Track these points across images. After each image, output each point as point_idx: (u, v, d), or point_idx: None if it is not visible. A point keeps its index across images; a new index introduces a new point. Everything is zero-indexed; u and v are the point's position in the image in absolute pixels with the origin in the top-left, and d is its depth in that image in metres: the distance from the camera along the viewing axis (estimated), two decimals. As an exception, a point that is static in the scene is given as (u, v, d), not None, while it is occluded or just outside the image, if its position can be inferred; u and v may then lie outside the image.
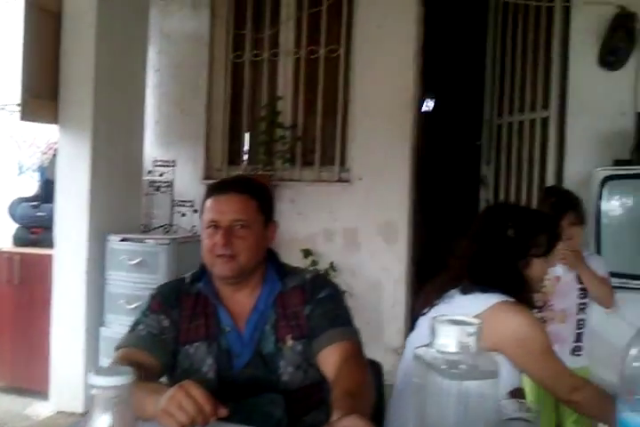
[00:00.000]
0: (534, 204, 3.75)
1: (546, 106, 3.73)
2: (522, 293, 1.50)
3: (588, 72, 3.47)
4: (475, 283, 1.50)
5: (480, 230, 1.59)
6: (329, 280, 1.57)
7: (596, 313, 2.87)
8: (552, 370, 1.45)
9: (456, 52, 5.61)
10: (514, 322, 1.43)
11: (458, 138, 6.08)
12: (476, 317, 1.42)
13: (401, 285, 3.81)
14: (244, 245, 1.45)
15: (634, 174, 2.98)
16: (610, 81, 3.42)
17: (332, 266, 3.77)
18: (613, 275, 2.96)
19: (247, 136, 3.95)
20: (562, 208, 2.26)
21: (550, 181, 3.64)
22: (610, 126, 3.39)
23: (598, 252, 2.98)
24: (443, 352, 0.93)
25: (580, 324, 2.39)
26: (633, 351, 0.78)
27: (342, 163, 3.93)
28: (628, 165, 3.05)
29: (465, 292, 1.50)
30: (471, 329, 0.93)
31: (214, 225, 1.45)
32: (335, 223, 3.88)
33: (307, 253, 3.78)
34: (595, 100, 3.46)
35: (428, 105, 7.03)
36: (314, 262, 3.75)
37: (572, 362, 2.24)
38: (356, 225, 3.85)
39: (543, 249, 1.55)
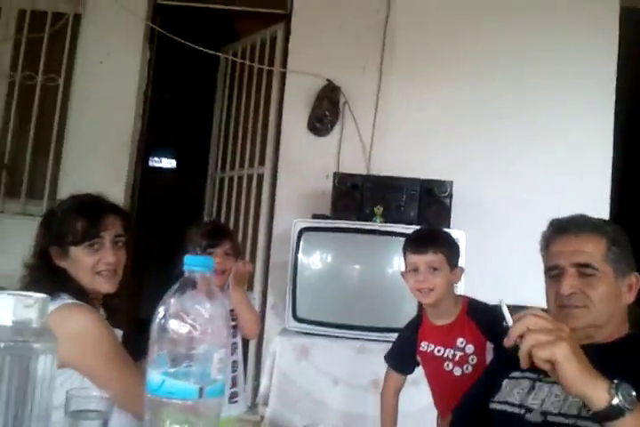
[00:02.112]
0: (248, 256, 3.88)
1: (263, 163, 3.94)
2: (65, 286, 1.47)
3: (298, 135, 3.76)
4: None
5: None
6: None
7: (286, 358, 2.98)
8: (118, 378, 1.37)
9: (190, 108, 5.77)
10: (69, 323, 1.38)
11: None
12: None
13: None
14: None
15: (328, 227, 3.21)
16: (317, 145, 3.73)
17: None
18: (308, 322, 3.11)
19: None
20: (217, 236, 2.26)
21: (262, 232, 3.80)
22: (315, 186, 3.67)
23: (293, 299, 3.11)
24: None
25: (235, 366, 2.29)
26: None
27: (52, 197, 3.71)
28: (325, 219, 3.30)
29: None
30: None
31: None
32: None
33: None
34: (303, 161, 3.74)
35: (170, 162, 7.11)
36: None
37: (226, 411, 2.12)
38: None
39: (79, 236, 1.51)
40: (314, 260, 3.20)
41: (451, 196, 3.26)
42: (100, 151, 3.75)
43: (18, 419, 0.80)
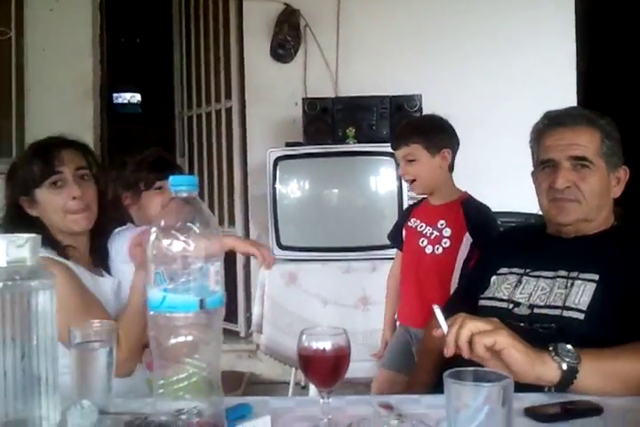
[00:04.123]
0: (225, 192, 3.90)
1: (229, 96, 3.88)
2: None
3: (262, 64, 3.69)
4: None
5: None
6: None
7: (275, 286, 3.05)
8: None
9: (149, 49, 5.62)
10: None
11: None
12: None
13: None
14: None
15: (302, 154, 3.20)
16: (282, 72, 3.67)
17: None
18: (293, 249, 3.17)
19: None
20: (164, 167, 1.98)
21: (237, 166, 3.79)
22: (285, 114, 3.63)
23: (276, 228, 3.15)
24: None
25: None
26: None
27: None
28: (298, 146, 3.30)
29: None
30: None
31: None
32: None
33: None
34: (270, 90, 3.69)
35: (134, 99, 6.94)
36: None
37: None
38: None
39: (39, 176, 1.49)
40: (292, 188, 3.21)
41: (421, 110, 3.24)
42: (62, 102, 3.68)
43: (26, 354, 0.83)
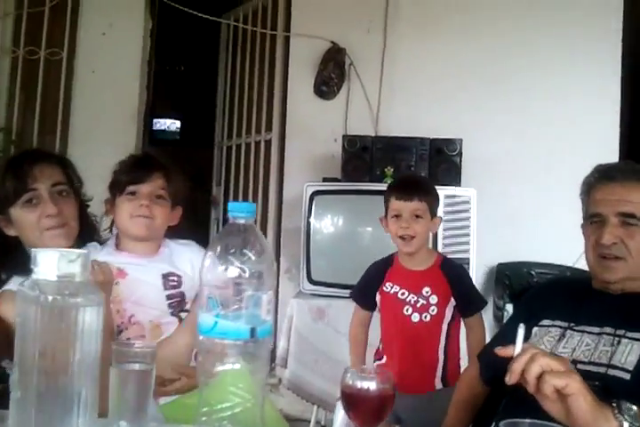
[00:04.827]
0: (259, 223, 3.90)
1: (270, 129, 3.92)
2: None
3: (304, 99, 3.72)
4: None
5: None
6: None
7: (303, 320, 3.01)
8: None
9: (194, 78, 5.75)
10: None
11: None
12: None
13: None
14: None
15: (339, 190, 3.22)
16: (324, 109, 3.70)
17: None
18: (323, 284, 3.14)
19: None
20: (142, 169, 1.64)
21: (272, 199, 3.81)
22: (324, 150, 3.65)
23: (307, 262, 3.13)
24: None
25: None
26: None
27: (62, 171, 3.73)
28: (335, 182, 3.30)
29: None
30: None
31: None
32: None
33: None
34: (311, 125, 3.71)
35: (173, 126, 7.04)
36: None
37: None
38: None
39: (12, 194, 1.41)
40: (326, 223, 3.21)
41: (460, 154, 3.23)
42: (106, 124, 3.75)
43: (69, 369, 0.83)
